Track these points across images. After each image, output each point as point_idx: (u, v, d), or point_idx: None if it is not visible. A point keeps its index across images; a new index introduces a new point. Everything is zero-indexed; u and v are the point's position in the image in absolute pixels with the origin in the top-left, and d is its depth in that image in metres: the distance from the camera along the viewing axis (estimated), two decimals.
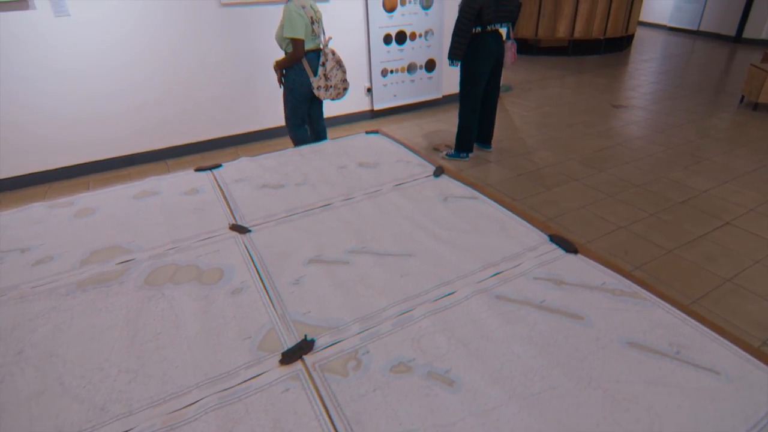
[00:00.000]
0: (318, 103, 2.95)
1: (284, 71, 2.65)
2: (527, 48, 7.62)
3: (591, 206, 2.74)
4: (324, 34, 2.59)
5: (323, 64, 2.57)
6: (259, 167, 2.20)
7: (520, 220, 1.63)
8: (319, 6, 3.74)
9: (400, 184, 1.96)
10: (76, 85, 3.19)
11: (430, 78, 4.62)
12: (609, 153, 3.52)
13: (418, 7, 4.21)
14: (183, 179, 2.12)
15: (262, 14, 3.55)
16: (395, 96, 4.49)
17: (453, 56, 3.13)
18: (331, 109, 4.25)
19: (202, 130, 3.74)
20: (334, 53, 2.62)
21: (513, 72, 6.32)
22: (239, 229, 1.65)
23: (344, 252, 1.47)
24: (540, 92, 5.32)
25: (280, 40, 2.57)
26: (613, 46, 7.60)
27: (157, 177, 2.14)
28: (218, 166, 2.28)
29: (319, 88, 2.62)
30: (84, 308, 1.28)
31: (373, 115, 4.51)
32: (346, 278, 1.34)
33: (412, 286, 1.30)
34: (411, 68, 4.45)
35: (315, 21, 2.48)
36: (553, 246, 1.47)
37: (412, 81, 4.52)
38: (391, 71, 4.35)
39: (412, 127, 4.26)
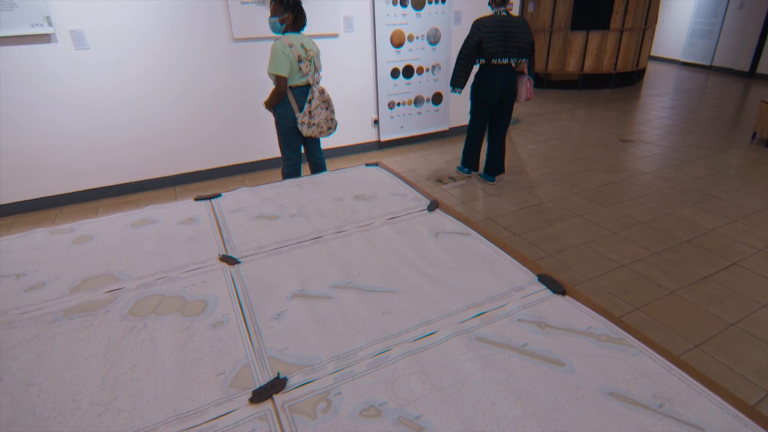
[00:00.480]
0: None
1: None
2: (537, 81, 7.71)
3: (593, 243, 2.69)
4: (317, 71, 2.64)
5: (310, 101, 2.63)
6: (257, 198, 2.23)
7: (509, 258, 1.61)
8: (328, 41, 3.88)
9: (393, 218, 1.96)
10: (92, 114, 3.33)
11: (437, 110, 4.69)
12: (614, 188, 3.48)
13: (425, 43, 4.33)
14: (182, 208, 2.16)
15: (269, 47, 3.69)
16: (402, 128, 4.56)
17: (452, 83, 3.34)
18: (338, 139, 4.33)
19: (210, 159, 3.84)
20: (323, 92, 2.67)
21: (522, 105, 6.38)
22: (228, 260, 1.66)
23: (329, 287, 1.47)
24: (548, 125, 5.34)
25: (269, 74, 2.67)
26: (624, 80, 7.64)
27: (156, 206, 2.19)
28: (218, 195, 2.32)
29: (302, 123, 2.68)
30: (67, 337, 1.29)
31: (380, 145, 4.57)
32: (327, 314, 1.33)
33: (393, 324, 1.29)
34: (418, 101, 4.54)
35: (303, 59, 2.54)
36: (541, 286, 1.44)
37: (419, 113, 4.59)
38: (398, 104, 4.43)
39: (417, 159, 4.30)
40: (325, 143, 4.24)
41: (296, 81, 2.61)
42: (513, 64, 3.28)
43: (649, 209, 3.11)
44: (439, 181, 3.75)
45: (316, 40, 3.80)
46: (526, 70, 3.38)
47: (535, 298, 1.38)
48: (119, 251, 1.77)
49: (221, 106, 3.70)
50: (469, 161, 3.75)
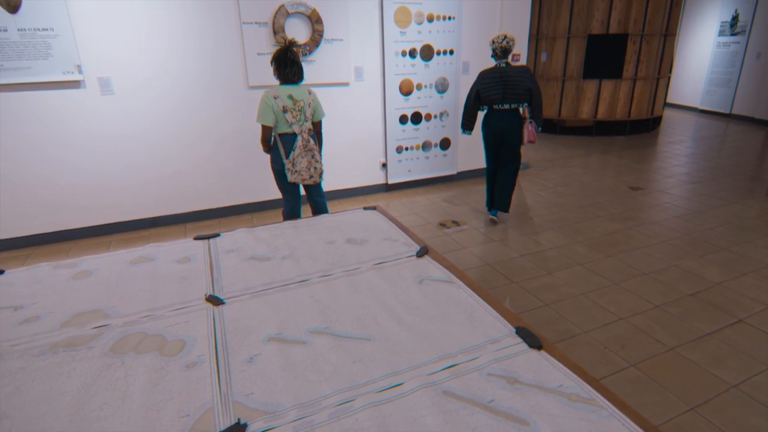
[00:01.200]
0: None
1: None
2: (550, 127, 7.81)
3: (592, 293, 2.63)
4: (306, 120, 2.74)
5: (294, 149, 2.74)
6: (253, 239, 2.29)
7: (490, 309, 1.60)
8: (339, 90, 4.07)
9: (381, 263, 1.98)
10: (113, 155, 3.54)
11: (444, 155, 4.78)
12: (619, 237, 3.43)
13: (433, 91, 4.49)
14: (180, 247, 2.24)
15: None
16: (410, 171, 4.65)
17: (462, 126, 3.68)
18: (347, 181, 4.45)
19: (221, 198, 3.99)
20: (307, 141, 2.76)
21: (534, 150, 6.44)
22: (214, 300, 1.71)
23: (305, 331, 1.49)
24: (557, 171, 5.36)
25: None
26: (639, 127, 7.66)
27: (157, 244, 2.27)
28: (217, 235, 2.40)
29: (288, 170, 2.79)
30: (48, 371, 1.34)
31: (388, 188, 4.66)
32: (299, 360, 1.35)
33: (362, 373, 1.29)
34: (426, 146, 4.65)
35: (288, 109, 2.66)
36: (518, 339, 1.43)
37: (427, 158, 4.70)
38: (406, 148, 4.55)
39: (423, 202, 4.35)
40: (334, 185, 4.36)
41: (283, 129, 2.74)
42: (519, 109, 3.51)
43: (654, 260, 3.04)
44: (443, 224, 3.77)
45: (327, 89, 4.01)
46: (527, 115, 3.53)
47: (509, 351, 1.36)
48: (114, 288, 1.84)
49: (233, 148, 3.88)
50: (487, 202, 3.92)
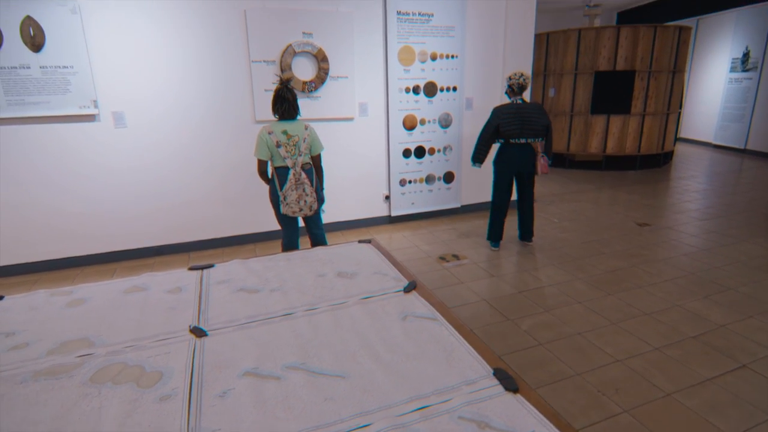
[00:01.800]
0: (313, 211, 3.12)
1: None
2: (560, 161, 7.82)
3: (589, 333, 2.57)
4: (300, 155, 2.81)
5: (286, 182, 2.82)
6: (245, 270, 2.33)
7: (470, 348, 1.58)
8: (343, 124, 4.19)
9: (367, 297, 1.99)
10: (122, 185, 3.67)
11: (448, 188, 4.82)
12: (622, 275, 3.37)
13: (437, 126, 4.57)
14: (174, 277, 2.28)
15: None
16: (413, 204, 4.69)
17: (473, 159, 3.76)
18: (350, 213, 4.50)
19: (225, 227, 4.07)
20: (299, 175, 2.82)
21: (541, 185, 6.44)
22: (197, 332, 1.73)
23: (281, 366, 1.49)
24: (563, 206, 5.33)
25: None
26: (650, 162, 7.61)
27: (152, 273, 2.32)
28: (211, 266, 2.44)
29: (281, 202, 2.86)
30: (27, 399, 1.36)
31: (391, 220, 4.69)
32: (270, 396, 1.35)
33: (331, 412, 1.28)
34: (429, 179, 4.70)
35: (282, 144, 2.76)
36: (495, 381, 1.40)
37: (430, 191, 4.74)
38: (410, 181, 4.61)
39: (425, 234, 4.36)
40: (338, 216, 4.42)
41: (278, 163, 2.84)
42: (532, 143, 3.69)
43: (656, 299, 2.97)
44: (443, 258, 3.76)
45: (332, 124, 4.13)
46: (540, 149, 3.78)
47: (484, 394, 1.34)
48: (104, 316, 1.88)
49: (238, 180, 3.99)
50: (492, 234, 3.96)
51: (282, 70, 3.81)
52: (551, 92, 7.61)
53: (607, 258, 3.70)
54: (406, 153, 4.52)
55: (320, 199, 3.05)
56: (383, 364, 1.49)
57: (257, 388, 1.37)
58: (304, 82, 3.90)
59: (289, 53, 3.80)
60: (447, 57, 4.41)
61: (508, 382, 1.39)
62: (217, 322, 1.81)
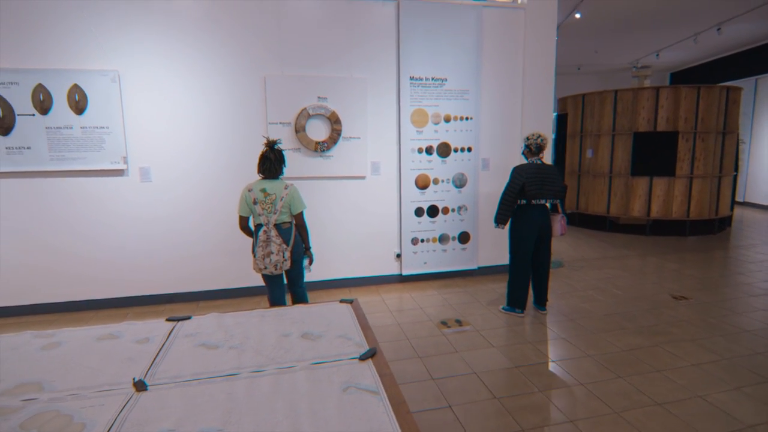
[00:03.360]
0: (291, 270, 3.09)
1: None
2: (599, 224, 7.41)
3: (583, 422, 2.27)
4: (275, 213, 2.87)
5: (258, 239, 2.89)
6: (216, 325, 2.34)
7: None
8: (355, 182, 4.29)
9: (319, 363, 1.92)
10: (142, 235, 3.93)
11: (464, 249, 4.69)
12: (640, 355, 3.01)
13: (451, 186, 4.55)
14: (148, 327, 2.34)
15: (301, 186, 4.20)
16: (425, 263, 4.59)
17: (497, 220, 3.64)
18: (360, 270, 4.48)
19: (232, 279, 4.18)
20: (269, 232, 2.86)
21: (573, 247, 6.10)
22: (139, 385, 1.74)
23: (197, 431, 1.45)
24: (592, 272, 4.97)
25: None
26: (702, 228, 7.01)
27: (130, 322, 2.40)
28: (188, 318, 2.50)
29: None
30: None
31: (402, 279, 4.60)
32: None
33: None
34: (443, 239, 4.61)
35: (258, 201, 2.86)
36: None
37: (444, 251, 4.63)
38: (422, 240, 4.54)
39: (434, 296, 4.21)
40: (347, 273, 4.41)
41: (256, 220, 2.96)
42: (548, 204, 3.65)
43: (674, 387, 2.60)
44: (444, 323, 3.59)
45: (343, 182, 4.25)
46: (559, 209, 3.73)
47: None
48: (67, 362, 1.94)
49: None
50: (514, 300, 3.77)
51: (296, 131, 4.04)
52: (589, 153, 7.39)
53: (627, 334, 3.34)
54: (419, 212, 4.50)
55: (298, 258, 3.05)
56: None
57: None
58: (317, 143, 4.09)
59: (303, 116, 4.04)
60: (461, 119, 4.46)
61: None
62: (163, 377, 1.82)
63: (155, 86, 3.81)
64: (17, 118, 3.52)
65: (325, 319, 2.43)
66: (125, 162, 3.76)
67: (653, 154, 6.87)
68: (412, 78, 4.26)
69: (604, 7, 7.12)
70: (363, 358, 1.98)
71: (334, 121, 4.11)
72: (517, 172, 3.57)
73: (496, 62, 4.54)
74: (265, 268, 2.89)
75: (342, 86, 4.12)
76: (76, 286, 3.89)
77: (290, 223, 2.97)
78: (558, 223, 3.70)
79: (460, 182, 4.57)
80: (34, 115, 3.55)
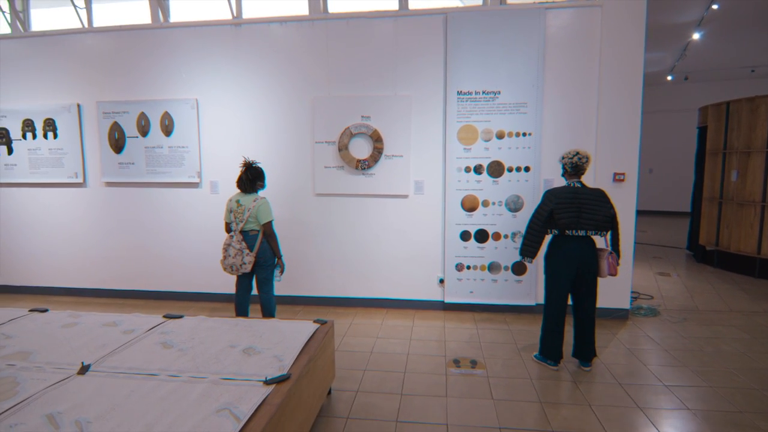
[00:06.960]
0: (258, 274, 3.39)
1: None
2: (744, 266, 5.77)
3: None
4: (241, 222, 3.25)
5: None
6: (192, 327, 2.57)
7: None
8: (397, 201, 4.21)
9: (227, 379, 1.97)
10: (206, 240, 4.49)
11: (518, 282, 4.15)
12: None
13: (504, 209, 4.09)
14: (143, 320, 2.69)
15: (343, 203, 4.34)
16: (472, 293, 4.20)
17: (521, 252, 3.17)
18: (401, 292, 4.36)
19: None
20: (231, 237, 3.27)
21: (692, 293, 4.87)
22: (82, 370, 2.04)
23: (76, 419, 1.63)
24: (696, 328, 3.89)
25: None
26: None
27: (138, 315, 2.80)
28: (180, 317, 2.79)
29: None
30: None
31: (445, 307, 4.30)
32: None
33: None
34: (493, 268, 4.16)
35: (232, 210, 3.32)
36: None
37: (494, 281, 4.17)
38: (468, 267, 4.18)
39: (467, 330, 3.82)
40: (387, 293, 4.34)
41: (233, 226, 3.36)
42: (594, 238, 3.06)
43: None
44: (456, 361, 3.22)
45: (385, 200, 4.22)
46: (608, 243, 3.09)
47: None
48: (61, 339, 2.37)
49: (295, 245, 4.42)
50: (547, 350, 3.20)
51: (339, 150, 4.16)
52: (734, 176, 5.82)
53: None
54: (465, 236, 4.16)
55: (264, 264, 3.34)
56: None
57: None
58: (358, 160, 4.14)
59: (346, 135, 4.14)
60: (517, 135, 3.99)
61: None
62: (107, 365, 2.09)
63: (224, 111, 4.36)
64: (127, 139, 4.45)
65: (277, 336, 2.46)
66: (199, 176, 4.42)
67: None
68: (459, 92, 4.00)
69: None
70: (269, 382, 1.96)
71: (375, 139, 4.11)
72: (547, 196, 3.05)
73: (562, 71, 3.95)
74: (225, 268, 3.29)
75: (386, 104, 4.11)
76: (146, 278, 4.71)
77: (257, 231, 3.29)
78: (605, 260, 3.02)
79: (515, 206, 4.09)
80: (137, 137, 4.43)
